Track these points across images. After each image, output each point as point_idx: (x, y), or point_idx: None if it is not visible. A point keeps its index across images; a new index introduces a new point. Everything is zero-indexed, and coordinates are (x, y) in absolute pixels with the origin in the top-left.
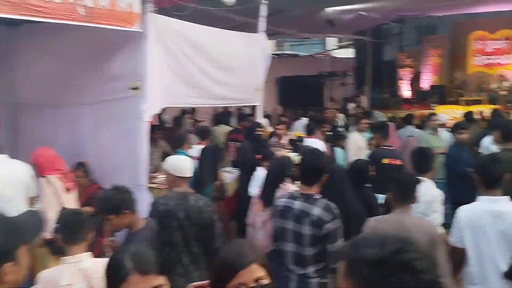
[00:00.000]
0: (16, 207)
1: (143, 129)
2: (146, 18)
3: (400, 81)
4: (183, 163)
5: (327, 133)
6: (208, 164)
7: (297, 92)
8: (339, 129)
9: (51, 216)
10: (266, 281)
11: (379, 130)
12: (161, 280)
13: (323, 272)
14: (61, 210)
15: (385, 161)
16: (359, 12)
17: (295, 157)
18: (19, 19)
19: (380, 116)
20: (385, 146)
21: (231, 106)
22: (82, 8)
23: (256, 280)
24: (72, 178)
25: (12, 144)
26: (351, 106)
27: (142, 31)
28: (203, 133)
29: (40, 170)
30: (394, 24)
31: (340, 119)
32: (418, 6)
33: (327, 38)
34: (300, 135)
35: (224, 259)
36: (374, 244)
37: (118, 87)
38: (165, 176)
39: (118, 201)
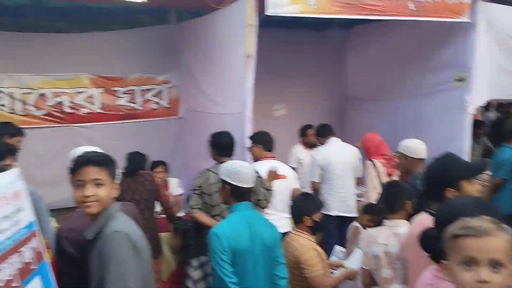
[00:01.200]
0: (345, 185)
1: (466, 121)
2: (476, 8)
3: None
4: (418, 146)
5: None
6: None
7: None
8: None
9: (373, 196)
10: None
11: None
12: None
13: None
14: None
15: None
16: None
17: None
18: (352, 20)
19: None
20: None
21: None
22: (412, 3)
23: None
24: (394, 164)
25: (340, 131)
26: None
27: (471, 21)
28: None
29: (366, 154)
30: None
31: None
32: None
33: None
34: None
35: None
36: None
37: (442, 78)
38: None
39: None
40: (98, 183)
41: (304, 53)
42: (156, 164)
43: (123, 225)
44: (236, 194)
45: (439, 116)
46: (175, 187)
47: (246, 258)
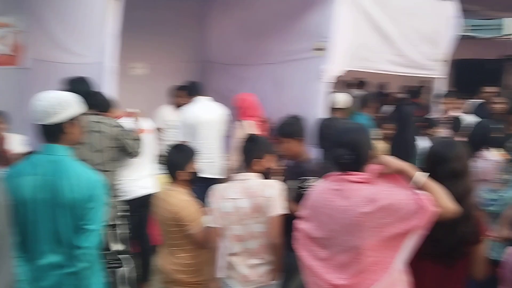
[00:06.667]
0: (212, 146)
1: (322, 89)
2: None
3: None
4: (338, 98)
5: None
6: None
7: (474, 77)
8: None
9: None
10: None
11: None
12: None
13: None
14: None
15: None
16: None
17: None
18: None
19: None
20: None
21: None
22: None
23: None
24: (265, 127)
25: None
26: None
27: None
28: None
29: (238, 114)
30: None
31: None
32: None
33: (505, 22)
34: None
35: None
36: None
37: (302, 47)
38: None
39: (297, 127)
40: None
41: (165, 12)
42: None
43: None
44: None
45: (299, 84)
46: (17, 144)
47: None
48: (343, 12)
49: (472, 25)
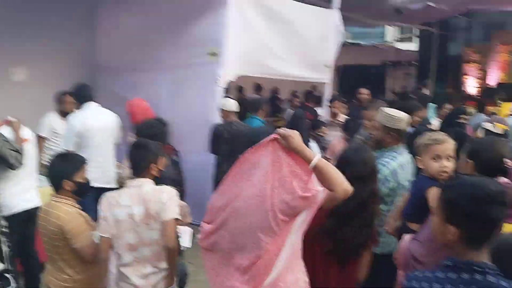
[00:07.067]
0: (105, 154)
1: (218, 94)
2: None
3: (465, 77)
4: (229, 102)
5: None
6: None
7: (359, 81)
8: None
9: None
10: None
11: None
12: None
13: None
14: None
15: None
16: (428, 3)
17: None
18: None
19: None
20: None
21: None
22: None
23: None
24: None
25: None
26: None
27: None
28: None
29: (132, 119)
30: (462, 17)
31: None
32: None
33: (386, 31)
34: None
35: None
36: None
37: (196, 53)
38: None
39: (155, 130)
40: None
41: (51, 15)
42: None
43: None
44: None
45: (194, 89)
46: None
47: None
48: (234, 18)
49: (356, 33)
